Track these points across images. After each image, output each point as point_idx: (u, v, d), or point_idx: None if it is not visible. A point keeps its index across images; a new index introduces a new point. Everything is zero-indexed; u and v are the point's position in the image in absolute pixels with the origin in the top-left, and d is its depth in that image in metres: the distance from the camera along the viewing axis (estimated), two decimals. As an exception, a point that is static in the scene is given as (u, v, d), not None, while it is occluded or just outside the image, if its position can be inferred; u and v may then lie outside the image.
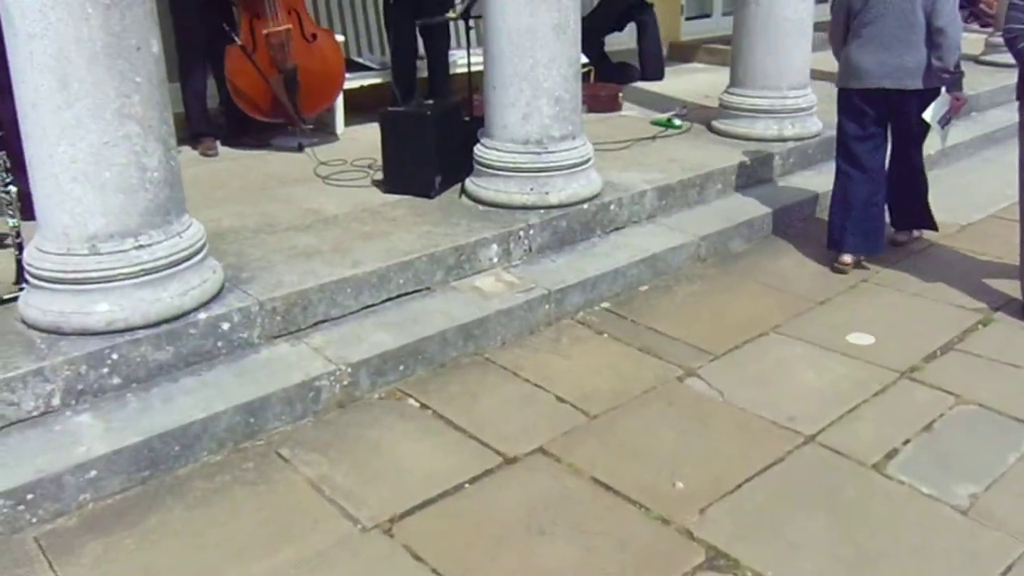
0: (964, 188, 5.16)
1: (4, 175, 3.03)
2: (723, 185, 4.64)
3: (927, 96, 3.79)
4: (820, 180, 4.91)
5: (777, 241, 4.41)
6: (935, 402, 2.97)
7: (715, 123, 5.33)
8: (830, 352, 3.30)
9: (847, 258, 4.00)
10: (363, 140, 5.09)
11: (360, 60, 5.83)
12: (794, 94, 5.12)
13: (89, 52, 2.65)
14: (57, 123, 2.68)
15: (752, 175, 4.80)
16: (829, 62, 6.93)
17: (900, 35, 3.76)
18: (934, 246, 4.30)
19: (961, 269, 4.01)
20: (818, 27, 5.36)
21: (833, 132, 5.25)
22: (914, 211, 4.23)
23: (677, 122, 5.49)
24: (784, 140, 5.06)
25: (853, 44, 3.91)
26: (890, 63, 3.78)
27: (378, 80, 5.69)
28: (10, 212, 3.05)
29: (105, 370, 2.74)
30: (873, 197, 3.98)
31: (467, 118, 4.57)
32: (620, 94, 6.10)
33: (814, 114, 5.24)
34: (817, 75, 5.42)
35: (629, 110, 6.03)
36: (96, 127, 2.70)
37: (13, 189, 3.04)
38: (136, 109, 2.76)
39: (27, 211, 3.00)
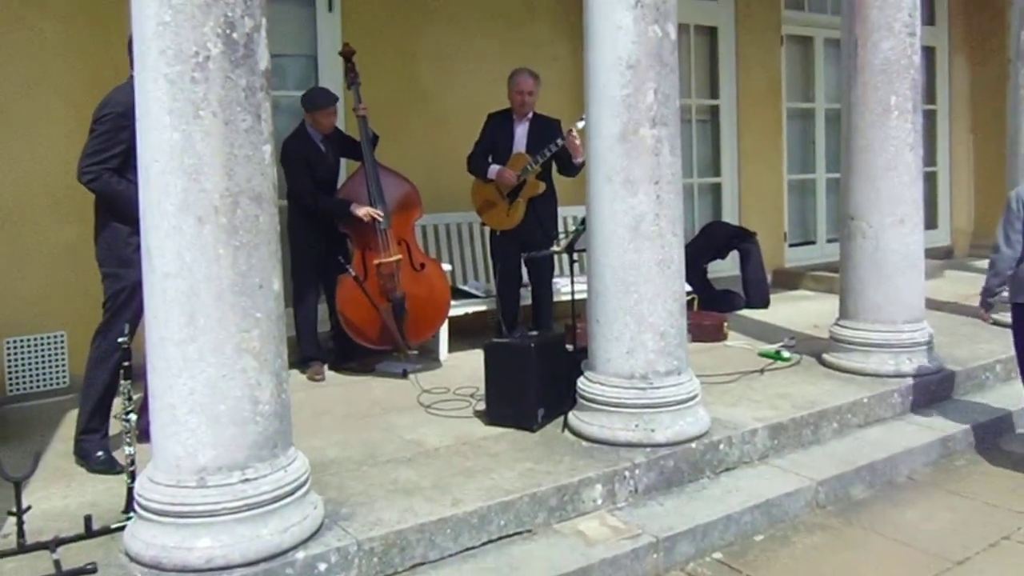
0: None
1: (127, 403, 3.14)
2: (839, 424, 4.43)
3: None
4: (943, 421, 4.65)
5: (901, 488, 4.11)
6: None
7: (826, 356, 5.19)
8: (976, 624, 2.96)
9: None
10: (466, 367, 5.13)
11: (465, 288, 6.01)
12: (909, 328, 4.97)
13: (216, 290, 2.77)
14: (181, 356, 2.77)
15: (870, 414, 4.58)
16: (945, 291, 6.86)
17: None
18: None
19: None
20: (929, 253, 5.30)
21: (955, 368, 5.11)
22: None
23: (786, 354, 5.37)
24: (902, 376, 4.85)
25: None
26: None
27: (482, 308, 5.83)
28: (128, 440, 3.12)
29: (198, 612, 2.67)
30: None
31: (570, 347, 4.58)
32: (725, 323, 6.06)
33: (933, 348, 5.05)
34: (933, 305, 5.28)
35: (735, 340, 5.96)
36: (215, 360, 2.78)
37: (133, 418, 3.13)
38: (254, 344, 2.84)
39: (143, 435, 3.09)
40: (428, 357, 5.47)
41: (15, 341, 4.84)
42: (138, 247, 3.54)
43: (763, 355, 5.44)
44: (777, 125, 8.45)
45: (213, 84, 2.72)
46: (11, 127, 4.79)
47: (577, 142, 5.30)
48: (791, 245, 8.69)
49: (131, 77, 3.63)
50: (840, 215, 5.36)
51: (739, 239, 7.43)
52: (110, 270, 3.70)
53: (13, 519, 2.87)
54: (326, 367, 5.24)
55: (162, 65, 2.71)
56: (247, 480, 2.79)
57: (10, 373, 4.83)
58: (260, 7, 2.84)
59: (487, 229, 5.95)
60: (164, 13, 2.69)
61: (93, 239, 3.76)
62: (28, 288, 4.84)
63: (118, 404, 3.26)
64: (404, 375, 5.10)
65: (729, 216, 8.17)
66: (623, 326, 3.89)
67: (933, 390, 4.92)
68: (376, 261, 5.10)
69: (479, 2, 6.53)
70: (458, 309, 5.63)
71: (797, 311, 6.89)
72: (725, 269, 7.65)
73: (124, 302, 3.66)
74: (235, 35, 2.75)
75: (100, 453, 3.67)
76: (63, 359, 4.95)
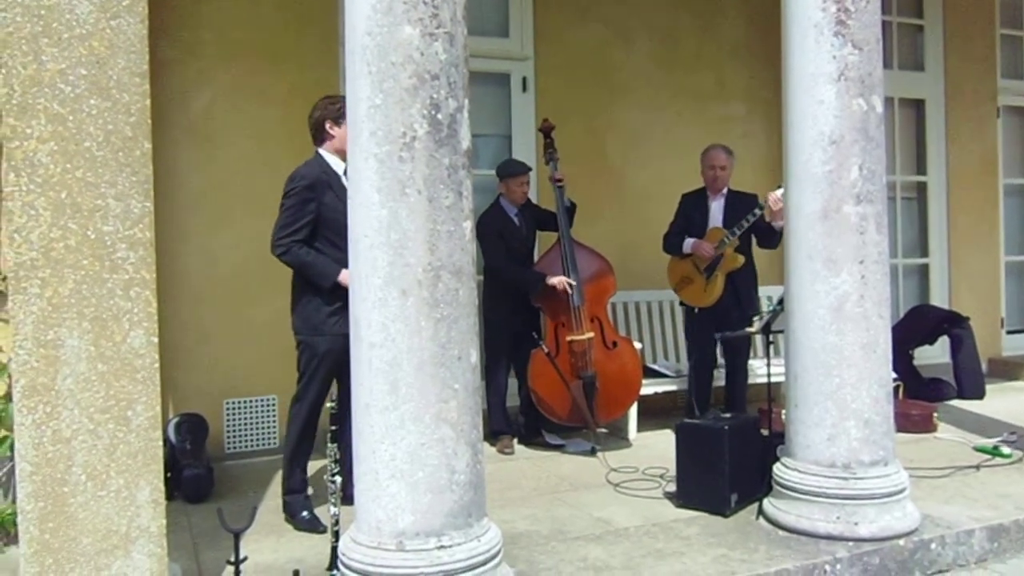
0: None
1: (333, 466, 3.31)
2: (1072, 530, 3.99)
3: None
4: None
5: None
6: None
7: (1055, 454, 4.72)
8: None
9: None
10: (655, 447, 5.05)
11: (655, 367, 5.93)
12: None
13: (418, 360, 2.87)
14: (383, 423, 2.89)
15: (1110, 521, 4.09)
16: None
17: None
18: None
19: None
20: None
21: None
22: None
23: (1006, 450, 4.91)
24: None
25: None
26: None
27: (672, 387, 5.74)
28: (332, 501, 3.27)
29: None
30: None
31: (765, 432, 4.41)
32: (934, 413, 5.64)
33: None
34: None
35: (945, 432, 5.53)
36: (415, 429, 2.87)
37: (339, 480, 3.29)
38: (452, 414, 2.91)
39: (347, 497, 3.25)
40: (617, 436, 5.42)
41: (233, 402, 5.25)
42: (329, 315, 3.78)
43: (979, 450, 5.01)
44: (993, 202, 7.90)
45: (419, 163, 2.84)
46: (232, 204, 5.27)
47: (779, 206, 5.14)
48: (1009, 332, 8.01)
49: (316, 153, 3.98)
50: (1069, 299, 4.92)
51: (950, 324, 6.93)
52: (304, 338, 3.90)
53: (231, 568, 3.07)
54: (515, 441, 5.31)
55: (372, 146, 2.86)
56: (442, 547, 2.85)
57: (228, 432, 5.23)
58: (463, 88, 2.96)
59: (677, 308, 5.89)
60: (375, 96, 2.86)
61: (291, 309, 3.99)
62: (246, 354, 5.25)
63: (319, 466, 3.43)
64: (592, 452, 5.08)
65: (938, 299, 7.66)
66: (823, 411, 3.71)
67: None
68: (569, 338, 5.14)
69: (669, 80, 6.59)
70: (648, 388, 5.55)
71: (1017, 404, 6.31)
72: (934, 356, 7.16)
73: (316, 368, 3.86)
74: (440, 116, 2.87)
75: (305, 513, 3.87)
76: (274, 421, 5.31)
